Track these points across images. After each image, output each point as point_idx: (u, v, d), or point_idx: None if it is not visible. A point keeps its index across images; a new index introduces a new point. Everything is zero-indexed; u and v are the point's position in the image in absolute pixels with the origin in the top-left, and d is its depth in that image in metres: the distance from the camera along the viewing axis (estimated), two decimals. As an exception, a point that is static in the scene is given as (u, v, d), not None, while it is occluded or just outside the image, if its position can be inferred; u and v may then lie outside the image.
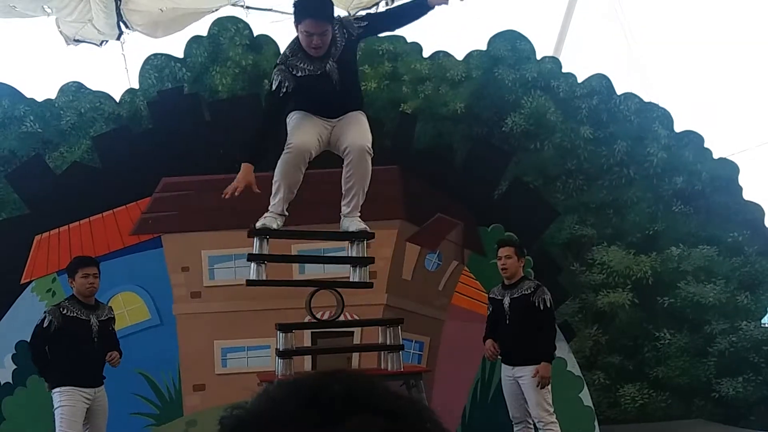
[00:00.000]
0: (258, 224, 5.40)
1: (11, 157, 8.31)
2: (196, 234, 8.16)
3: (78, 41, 9.61)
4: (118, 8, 8.83)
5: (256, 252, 5.40)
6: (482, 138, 8.66)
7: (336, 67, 5.27)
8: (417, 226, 8.27)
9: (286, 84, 5.21)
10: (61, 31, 9.33)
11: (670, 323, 8.51)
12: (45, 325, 6.13)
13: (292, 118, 5.44)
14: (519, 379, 6.45)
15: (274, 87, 5.26)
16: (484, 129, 8.69)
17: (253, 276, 5.41)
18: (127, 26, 9.03)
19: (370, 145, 5.37)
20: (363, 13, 7.87)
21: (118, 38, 9.47)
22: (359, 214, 5.49)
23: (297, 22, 5.15)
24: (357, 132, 5.39)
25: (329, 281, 5.95)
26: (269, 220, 5.39)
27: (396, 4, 10.08)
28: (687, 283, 8.53)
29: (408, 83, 8.73)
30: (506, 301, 6.56)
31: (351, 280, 5.60)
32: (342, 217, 5.52)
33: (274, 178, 5.39)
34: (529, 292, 6.51)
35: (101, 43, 9.69)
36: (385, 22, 5.67)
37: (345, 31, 5.34)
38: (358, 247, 5.50)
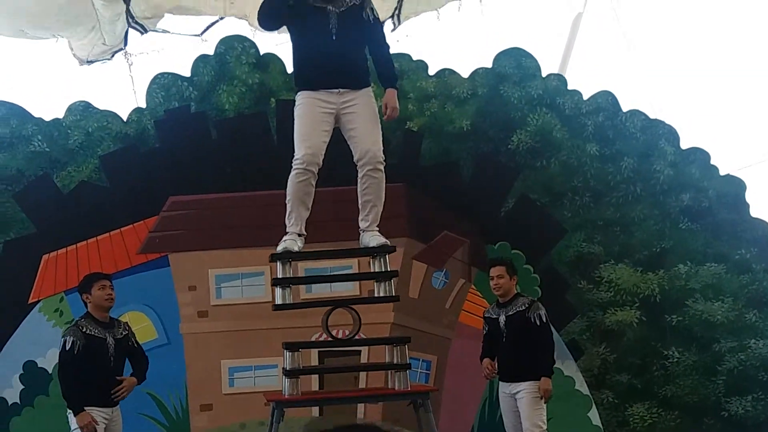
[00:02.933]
0: (279, 248, 5.36)
1: (19, 177, 8.33)
2: (203, 253, 8.18)
3: (91, 61, 9.67)
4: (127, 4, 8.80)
5: (280, 276, 5.35)
6: (488, 155, 8.67)
7: (336, 17, 5.30)
8: (423, 244, 8.27)
9: None
10: (74, 54, 9.38)
11: (679, 341, 8.46)
12: (68, 347, 5.97)
13: (297, 112, 5.39)
14: (516, 395, 6.44)
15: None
16: (490, 146, 8.70)
17: (279, 300, 5.35)
18: (132, 17, 8.94)
19: (381, 152, 5.38)
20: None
21: (125, 44, 9.46)
22: (378, 227, 5.48)
23: None
24: (369, 137, 5.37)
25: (351, 299, 5.92)
26: (290, 242, 5.34)
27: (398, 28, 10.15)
28: (695, 300, 8.49)
29: (414, 101, 8.74)
30: (502, 319, 6.55)
31: (376, 295, 5.59)
32: (361, 232, 5.50)
33: (287, 198, 5.36)
34: (524, 308, 6.50)
35: (112, 56, 9.71)
36: (373, 48, 5.64)
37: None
38: (380, 261, 5.49)
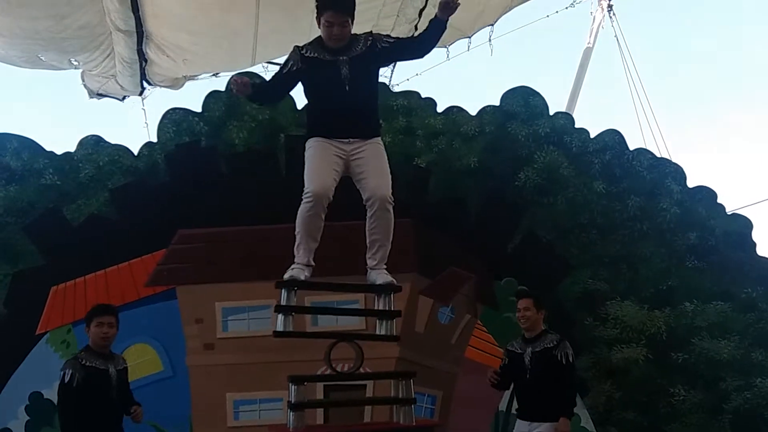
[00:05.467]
0: (286, 276, 5.40)
1: (29, 209, 8.41)
2: (210, 286, 8.21)
3: (101, 95, 9.83)
4: (142, 68, 9.05)
5: (284, 303, 5.39)
6: (495, 192, 8.71)
7: (348, 65, 5.39)
8: (430, 279, 8.29)
9: (291, 63, 5.42)
10: (85, 85, 9.54)
11: (685, 379, 8.43)
12: (67, 380, 6.00)
13: (308, 154, 5.48)
14: None
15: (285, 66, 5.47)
16: (498, 183, 8.74)
17: (280, 327, 5.36)
18: (149, 83, 9.24)
19: (390, 193, 5.43)
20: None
21: (140, 94, 9.69)
22: (385, 266, 5.52)
23: (319, 15, 5.36)
24: (378, 179, 5.42)
25: (353, 333, 5.93)
26: (297, 271, 5.39)
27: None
28: (701, 338, 8.48)
29: (422, 138, 8.82)
30: (527, 355, 6.49)
31: (377, 332, 5.58)
32: (368, 269, 5.54)
33: (296, 230, 5.41)
34: (552, 345, 6.44)
35: (123, 98, 9.91)
36: (413, 46, 5.73)
37: (371, 38, 5.50)
38: (385, 300, 5.50)
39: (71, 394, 5.99)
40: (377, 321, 5.57)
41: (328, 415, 7.32)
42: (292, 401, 5.51)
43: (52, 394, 7.79)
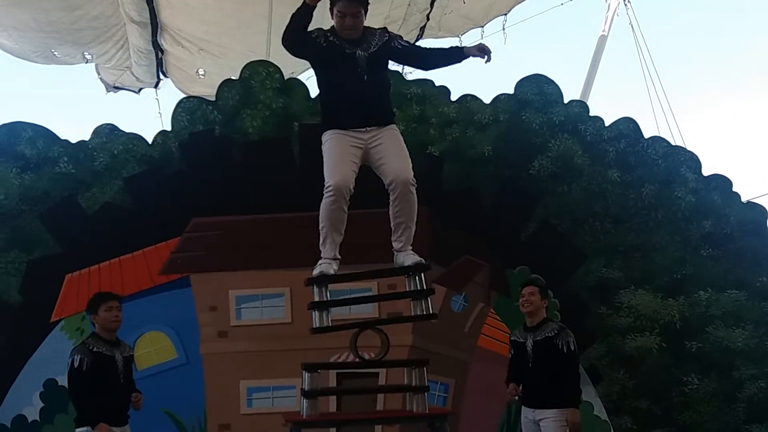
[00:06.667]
0: (315, 272, 5.43)
1: (45, 197, 8.43)
2: (224, 274, 8.24)
3: (117, 88, 9.89)
4: (158, 58, 9.09)
5: (317, 300, 5.41)
6: (509, 180, 8.68)
7: (365, 59, 5.43)
8: (443, 268, 8.27)
9: (317, 35, 5.42)
10: (101, 78, 9.59)
11: (698, 368, 8.40)
12: (77, 365, 6.04)
13: (325, 147, 5.49)
14: (540, 422, 6.38)
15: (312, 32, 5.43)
16: (512, 171, 8.71)
17: (317, 323, 5.40)
18: (165, 75, 9.27)
19: (412, 175, 5.45)
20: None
21: (156, 86, 9.73)
22: (411, 247, 5.53)
23: (332, 5, 5.39)
24: (399, 162, 5.46)
25: (387, 319, 5.94)
26: (325, 266, 5.43)
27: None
28: (715, 327, 8.44)
29: (436, 126, 8.79)
30: (529, 343, 6.51)
31: (412, 314, 5.62)
32: (395, 252, 5.56)
33: (320, 225, 5.43)
34: (553, 334, 6.45)
35: (139, 91, 9.95)
36: (422, 58, 5.81)
37: (386, 36, 5.57)
38: (416, 280, 5.52)
39: (83, 379, 6.03)
40: (411, 302, 5.59)
41: (340, 403, 7.34)
42: (306, 389, 5.53)
43: (66, 381, 7.86)
